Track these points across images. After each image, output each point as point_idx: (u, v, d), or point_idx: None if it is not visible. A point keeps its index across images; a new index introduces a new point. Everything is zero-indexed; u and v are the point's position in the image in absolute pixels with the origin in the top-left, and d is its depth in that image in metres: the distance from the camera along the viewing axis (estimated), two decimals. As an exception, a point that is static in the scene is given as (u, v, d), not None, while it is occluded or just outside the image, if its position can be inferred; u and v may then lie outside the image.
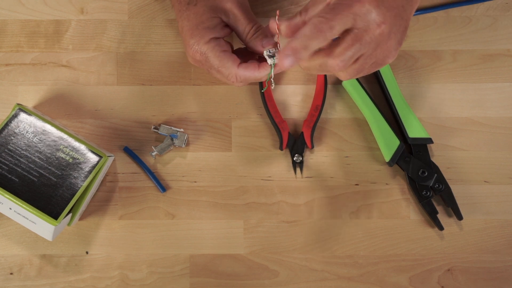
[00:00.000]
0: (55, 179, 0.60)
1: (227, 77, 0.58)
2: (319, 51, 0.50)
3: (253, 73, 0.58)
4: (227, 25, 0.59)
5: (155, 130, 0.66)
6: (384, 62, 0.51)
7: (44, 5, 0.69)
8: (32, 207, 0.59)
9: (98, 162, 0.61)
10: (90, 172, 0.60)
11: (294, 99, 0.68)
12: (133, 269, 0.66)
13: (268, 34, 0.58)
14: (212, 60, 0.57)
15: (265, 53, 0.57)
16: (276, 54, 0.56)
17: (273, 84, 0.58)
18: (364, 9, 0.47)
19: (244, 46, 0.60)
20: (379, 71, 0.66)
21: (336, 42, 0.49)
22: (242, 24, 0.58)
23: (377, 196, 0.66)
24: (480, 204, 0.66)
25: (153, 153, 0.66)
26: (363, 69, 0.51)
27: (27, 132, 0.61)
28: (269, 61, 0.57)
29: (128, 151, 0.67)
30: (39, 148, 0.60)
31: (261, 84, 0.66)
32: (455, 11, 0.69)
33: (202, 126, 0.67)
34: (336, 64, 0.49)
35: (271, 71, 0.57)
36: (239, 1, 0.58)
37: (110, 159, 0.65)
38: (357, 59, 0.50)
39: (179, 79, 0.68)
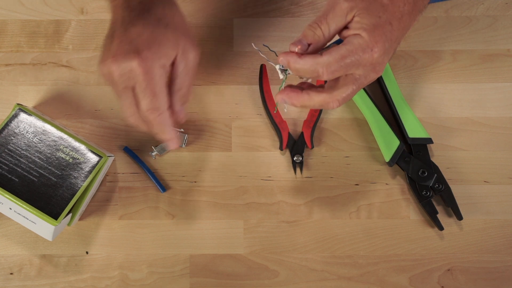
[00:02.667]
0: (55, 179, 0.60)
1: None
2: (321, 90, 0.51)
3: None
4: None
5: (155, 130, 0.66)
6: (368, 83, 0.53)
7: (44, 5, 0.69)
8: (32, 207, 0.59)
9: (98, 162, 0.61)
10: (90, 172, 0.60)
11: (294, 99, 0.68)
12: (133, 269, 0.66)
13: None
14: None
15: (277, 67, 0.56)
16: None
17: (285, 107, 0.57)
18: (371, 58, 0.48)
19: None
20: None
21: (335, 82, 0.50)
22: None
23: (377, 196, 0.66)
24: (480, 204, 0.66)
25: (153, 153, 0.66)
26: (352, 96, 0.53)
27: (27, 132, 0.61)
28: (281, 75, 0.56)
29: (128, 151, 0.67)
30: (39, 148, 0.60)
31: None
32: (455, 11, 0.69)
33: (202, 126, 0.67)
34: (335, 106, 0.51)
35: (282, 85, 0.56)
36: None
37: (110, 159, 0.65)
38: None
39: (179, 79, 0.68)
